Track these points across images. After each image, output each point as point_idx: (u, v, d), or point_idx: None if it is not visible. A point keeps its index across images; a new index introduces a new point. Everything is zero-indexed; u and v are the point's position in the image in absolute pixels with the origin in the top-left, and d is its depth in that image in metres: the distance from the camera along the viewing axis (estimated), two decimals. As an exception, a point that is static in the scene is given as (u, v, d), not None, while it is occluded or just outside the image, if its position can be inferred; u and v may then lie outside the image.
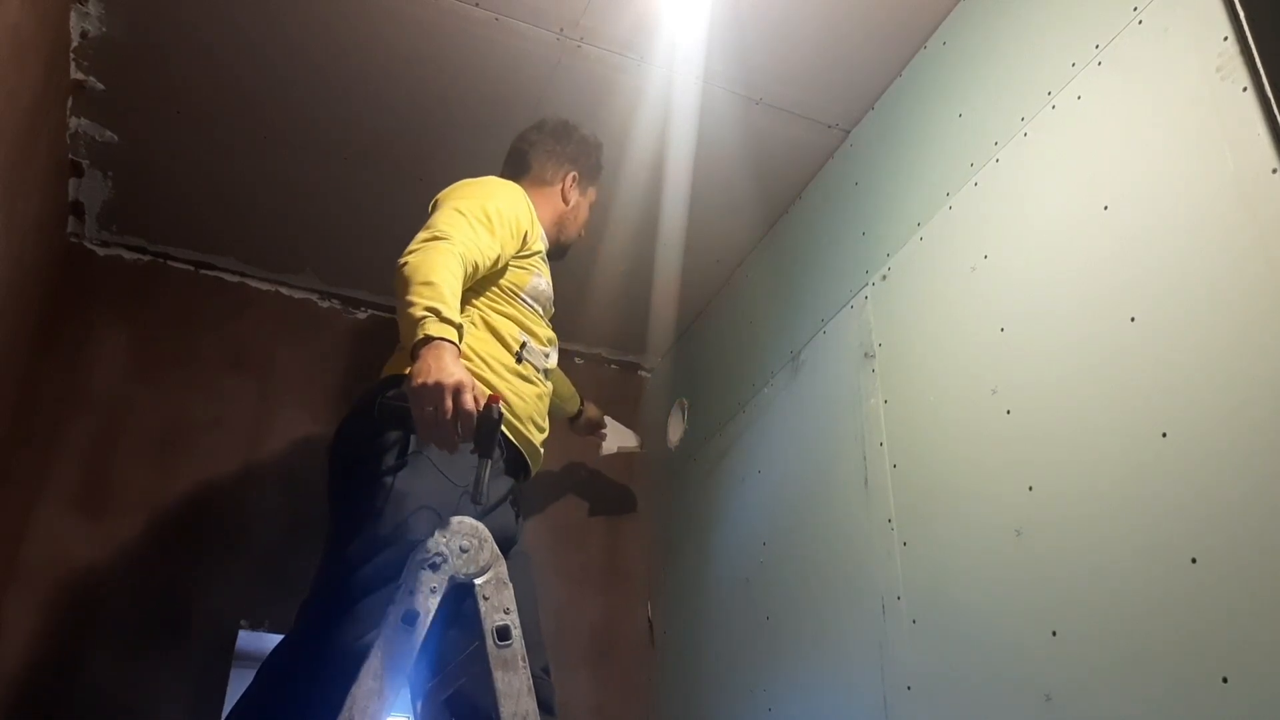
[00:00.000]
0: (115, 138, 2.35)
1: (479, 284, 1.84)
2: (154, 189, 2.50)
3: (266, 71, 2.18)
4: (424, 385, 1.47)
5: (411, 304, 1.56)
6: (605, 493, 2.93)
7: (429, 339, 1.52)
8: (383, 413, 1.65)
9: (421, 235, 1.70)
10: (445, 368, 1.48)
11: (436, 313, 1.54)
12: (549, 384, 1.97)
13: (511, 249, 1.86)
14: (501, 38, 2.11)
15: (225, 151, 2.39)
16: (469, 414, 1.48)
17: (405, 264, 1.62)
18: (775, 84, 2.20)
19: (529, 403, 1.86)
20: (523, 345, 1.87)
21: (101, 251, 2.65)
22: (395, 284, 1.62)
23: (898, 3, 2.01)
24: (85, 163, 2.42)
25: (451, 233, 1.69)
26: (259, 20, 2.07)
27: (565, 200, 2.13)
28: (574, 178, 2.14)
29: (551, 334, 1.99)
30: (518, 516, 1.87)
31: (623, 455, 2.84)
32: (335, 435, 1.83)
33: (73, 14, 2.04)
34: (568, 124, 2.18)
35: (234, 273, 2.76)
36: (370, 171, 2.44)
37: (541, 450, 1.93)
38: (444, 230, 1.69)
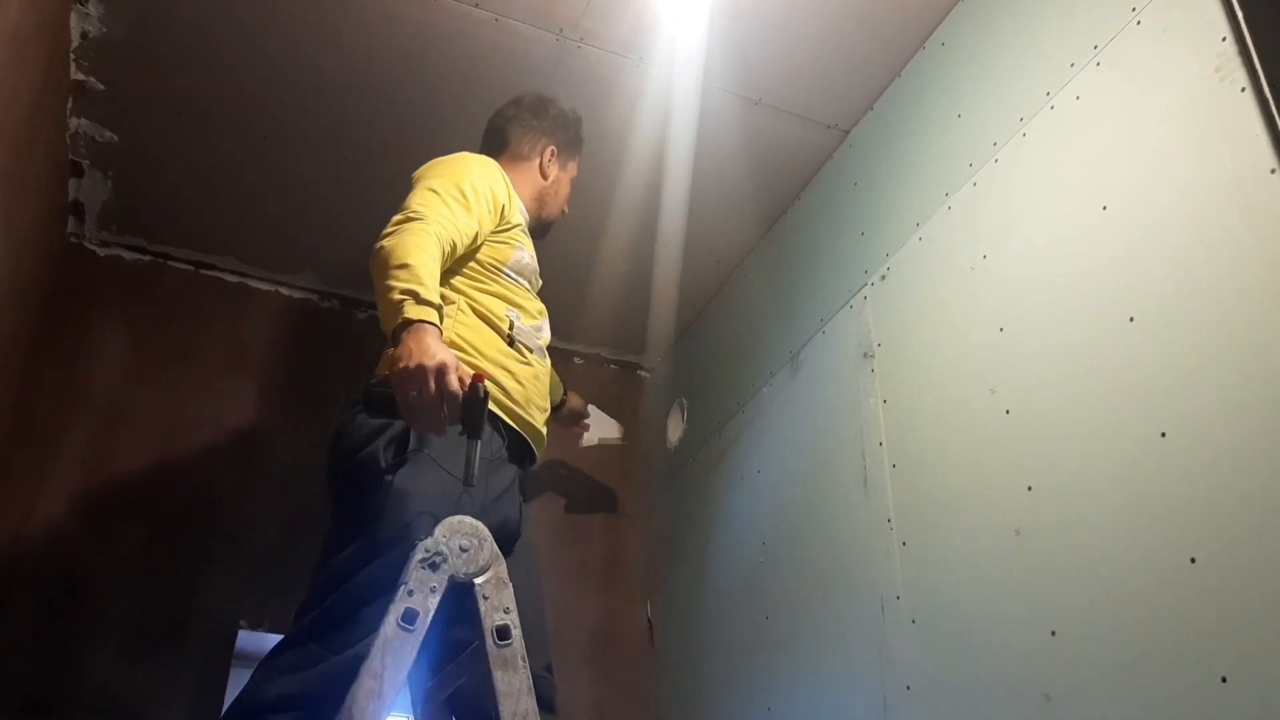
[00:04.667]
0: (115, 138, 2.35)
1: (459, 263, 1.80)
2: (154, 189, 2.50)
3: (267, 71, 2.18)
4: (406, 369, 1.45)
5: (389, 288, 1.54)
6: (601, 493, 2.92)
7: (409, 322, 1.50)
8: (369, 400, 1.64)
9: (396, 218, 1.67)
10: (427, 349, 1.46)
11: (414, 295, 1.52)
12: (545, 361, 1.93)
13: (490, 225, 1.83)
14: (501, 38, 2.11)
15: (225, 151, 2.39)
16: (454, 395, 1.46)
17: (380, 248, 1.60)
18: (775, 84, 2.21)
19: (527, 385, 1.83)
20: (512, 325, 1.83)
21: (101, 252, 2.64)
22: (372, 269, 1.59)
23: (897, 3, 2.01)
24: (85, 163, 2.42)
25: (426, 212, 1.67)
26: (259, 20, 2.07)
27: (544, 175, 2.08)
28: (552, 152, 2.10)
29: (540, 305, 1.96)
30: (522, 505, 1.86)
31: (614, 450, 2.79)
32: (333, 435, 1.82)
33: (73, 14, 2.04)
34: (544, 98, 2.13)
35: (234, 272, 2.75)
36: (370, 171, 2.44)
37: (544, 431, 1.89)
38: (418, 210, 1.67)
